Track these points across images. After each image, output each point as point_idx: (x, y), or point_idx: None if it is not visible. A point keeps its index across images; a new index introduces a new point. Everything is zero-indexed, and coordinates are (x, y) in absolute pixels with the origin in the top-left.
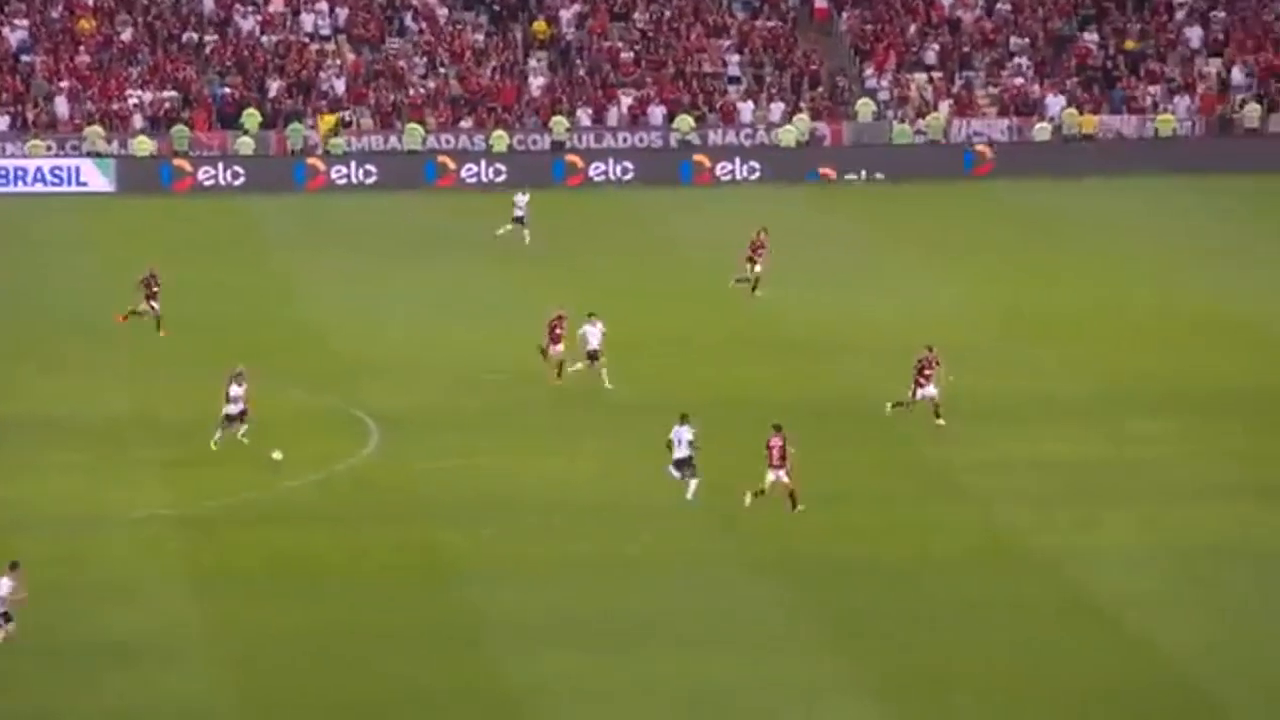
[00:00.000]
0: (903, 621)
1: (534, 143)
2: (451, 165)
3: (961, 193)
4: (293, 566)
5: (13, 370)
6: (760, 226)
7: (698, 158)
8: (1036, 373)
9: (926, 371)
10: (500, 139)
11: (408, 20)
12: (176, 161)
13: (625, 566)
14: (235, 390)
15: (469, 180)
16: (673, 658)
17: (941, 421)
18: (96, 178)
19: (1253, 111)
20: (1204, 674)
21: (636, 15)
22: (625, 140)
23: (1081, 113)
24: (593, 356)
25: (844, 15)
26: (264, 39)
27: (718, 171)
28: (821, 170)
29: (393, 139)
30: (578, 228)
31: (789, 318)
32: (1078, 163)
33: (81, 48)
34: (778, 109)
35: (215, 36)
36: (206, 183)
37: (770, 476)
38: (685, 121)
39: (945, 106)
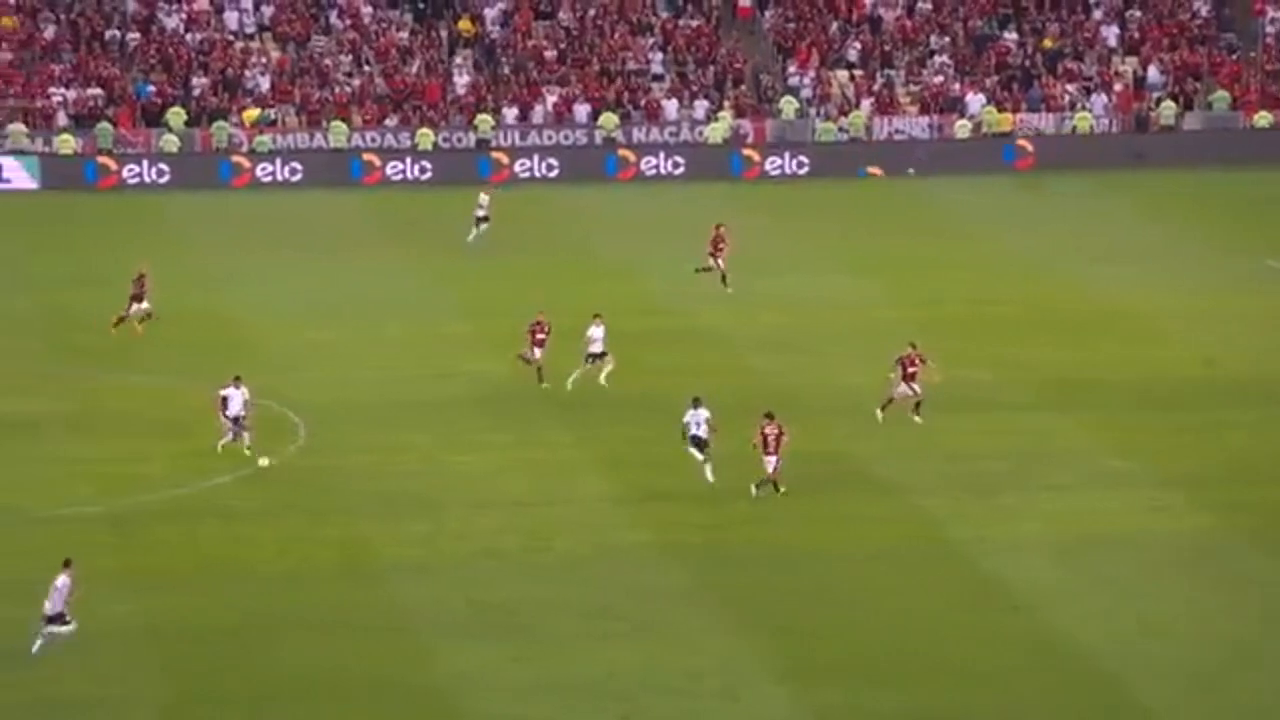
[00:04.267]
0: (818, 610)
1: (459, 140)
2: (377, 163)
3: (890, 189)
4: (219, 562)
5: None
6: (717, 222)
7: (622, 153)
8: (949, 365)
9: (910, 369)
10: (425, 136)
11: (333, 18)
12: (101, 159)
13: (547, 560)
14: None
15: (394, 178)
16: (593, 649)
17: (919, 419)
18: (20, 175)
19: (1168, 109)
20: (1111, 664)
21: (561, 14)
22: (550, 138)
23: (1000, 111)
24: (596, 357)
25: (767, 13)
26: (188, 36)
27: (643, 167)
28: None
29: (318, 136)
30: (504, 224)
31: (704, 311)
32: (998, 160)
33: (4, 45)
34: (702, 106)
35: (139, 34)
36: (131, 180)
37: (768, 462)
38: (610, 119)
39: (867, 104)
